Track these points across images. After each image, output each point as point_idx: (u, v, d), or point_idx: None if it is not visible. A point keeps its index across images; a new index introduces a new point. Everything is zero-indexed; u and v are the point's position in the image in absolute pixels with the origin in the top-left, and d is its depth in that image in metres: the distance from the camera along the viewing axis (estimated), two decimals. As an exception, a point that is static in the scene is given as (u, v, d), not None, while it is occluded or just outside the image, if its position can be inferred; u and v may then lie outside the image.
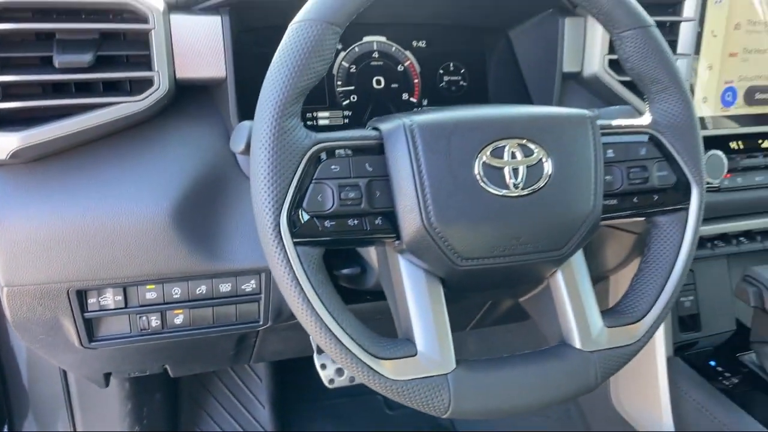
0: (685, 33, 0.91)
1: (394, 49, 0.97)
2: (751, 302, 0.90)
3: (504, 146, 0.62)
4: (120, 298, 0.78)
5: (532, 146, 0.63)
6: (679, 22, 0.91)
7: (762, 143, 1.03)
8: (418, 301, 0.64)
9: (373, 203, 0.62)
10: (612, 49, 0.89)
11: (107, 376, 0.99)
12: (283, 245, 0.59)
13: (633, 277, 0.74)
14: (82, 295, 0.77)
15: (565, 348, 0.68)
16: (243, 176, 0.79)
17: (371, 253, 0.73)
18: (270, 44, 0.78)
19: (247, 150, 0.63)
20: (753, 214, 1.05)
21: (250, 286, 0.82)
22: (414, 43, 0.98)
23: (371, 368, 0.61)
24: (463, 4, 0.93)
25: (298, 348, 0.99)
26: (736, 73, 0.95)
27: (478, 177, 0.61)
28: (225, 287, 0.81)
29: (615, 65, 0.89)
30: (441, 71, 1.00)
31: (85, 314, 0.78)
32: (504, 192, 0.62)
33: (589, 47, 0.91)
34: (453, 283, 0.66)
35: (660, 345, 1.01)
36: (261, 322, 0.85)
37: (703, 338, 1.11)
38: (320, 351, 0.93)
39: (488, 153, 0.62)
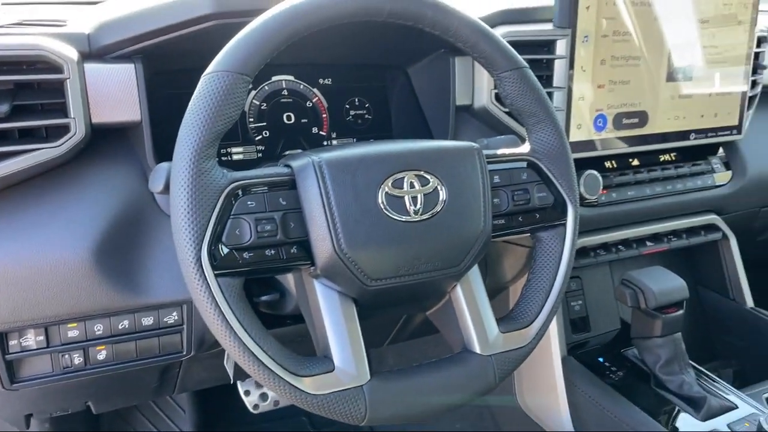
0: (559, 69, 1.03)
1: (302, 86, 1.04)
2: (629, 303, 1.02)
3: (403, 177, 0.70)
4: (42, 338, 0.80)
5: (428, 176, 0.71)
6: (553, 59, 1.03)
7: (632, 162, 1.16)
8: (334, 321, 0.71)
9: (288, 234, 0.67)
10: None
11: (28, 418, 0.98)
12: (205, 277, 0.63)
13: (523, 286, 0.83)
14: (2, 338, 0.78)
15: (466, 354, 0.76)
16: (162, 214, 0.83)
17: (289, 280, 0.78)
18: (183, 86, 0.83)
19: (166, 190, 0.67)
20: (628, 225, 1.18)
21: (172, 318, 0.85)
22: (320, 81, 1.05)
23: (293, 386, 0.66)
24: (362, 46, 1.01)
25: (222, 376, 1.03)
26: (604, 102, 1.08)
27: (381, 206, 0.69)
28: (147, 320, 0.84)
29: (500, 99, 1.00)
30: (347, 106, 1.08)
31: (6, 356, 0.79)
32: (406, 218, 0.70)
33: (477, 83, 1.02)
34: (365, 302, 0.72)
35: (555, 346, 1.12)
36: (184, 353, 0.88)
37: (593, 338, 1.23)
38: (239, 378, 0.96)
39: (390, 184, 0.69)
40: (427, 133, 1.07)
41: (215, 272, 0.63)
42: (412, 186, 0.70)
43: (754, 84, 1.24)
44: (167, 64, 0.89)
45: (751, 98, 1.24)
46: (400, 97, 1.11)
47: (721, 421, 0.95)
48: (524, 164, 0.81)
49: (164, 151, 0.75)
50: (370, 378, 0.70)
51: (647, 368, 1.05)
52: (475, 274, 0.78)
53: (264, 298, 0.84)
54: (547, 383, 1.13)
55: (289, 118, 1.03)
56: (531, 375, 1.18)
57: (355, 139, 1.09)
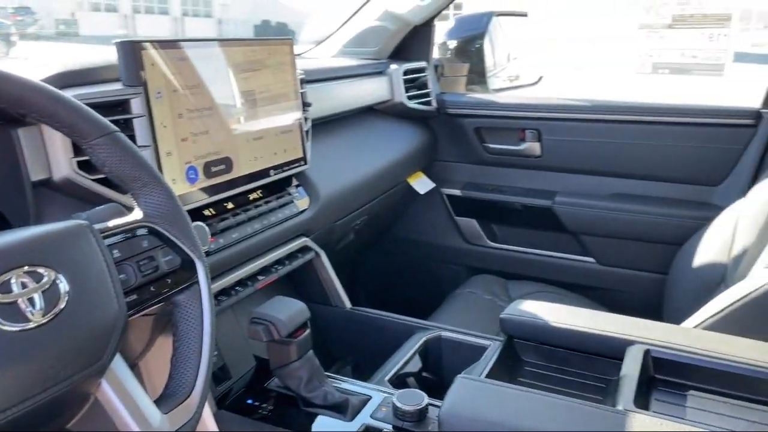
0: (140, 127, 1.00)
1: None
2: (264, 338, 1.05)
3: (10, 279, 0.58)
4: None
5: (40, 270, 0.60)
6: (132, 118, 0.99)
7: (227, 206, 1.21)
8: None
9: None
10: (78, 152, 0.90)
11: None
12: None
13: (171, 358, 0.78)
14: None
15: (134, 452, 0.68)
16: None
17: None
18: None
19: None
20: (239, 265, 1.22)
21: None
22: None
23: None
24: None
25: None
26: (192, 154, 1.09)
27: (-11, 320, 0.55)
28: None
29: (85, 166, 0.91)
30: None
31: None
32: (24, 326, 0.58)
33: (52, 153, 0.90)
34: (-10, 447, 0.57)
35: (204, 407, 1.08)
36: None
37: (235, 383, 1.23)
38: None
39: None
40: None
41: None
42: (24, 286, 0.59)
43: (306, 120, 1.42)
44: None
45: (307, 132, 1.43)
46: (-52, 182, 0.90)
47: (365, 414, 1.07)
48: (144, 231, 0.76)
49: None
50: None
51: (293, 392, 1.11)
52: (119, 363, 0.70)
53: None
54: (206, 445, 1.09)
55: None
56: (188, 444, 1.11)
57: None
